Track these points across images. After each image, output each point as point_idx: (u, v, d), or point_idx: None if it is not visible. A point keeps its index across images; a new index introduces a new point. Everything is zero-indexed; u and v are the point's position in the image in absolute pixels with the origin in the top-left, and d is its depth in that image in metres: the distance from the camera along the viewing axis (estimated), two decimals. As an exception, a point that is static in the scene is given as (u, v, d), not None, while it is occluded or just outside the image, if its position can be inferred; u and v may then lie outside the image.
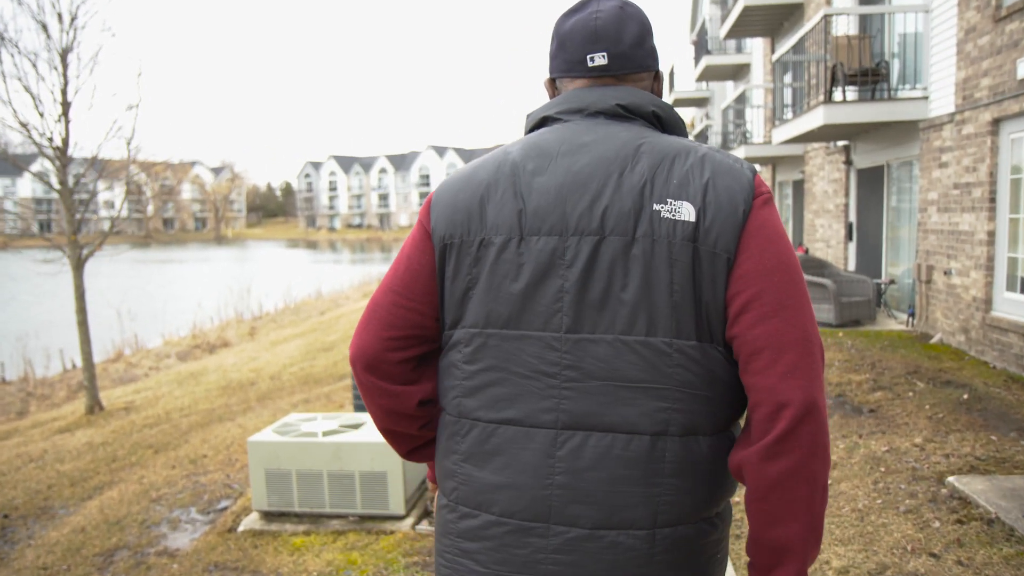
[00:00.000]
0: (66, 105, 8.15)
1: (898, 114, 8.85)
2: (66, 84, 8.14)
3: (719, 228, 1.14)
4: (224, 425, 7.12)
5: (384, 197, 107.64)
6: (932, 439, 5.01)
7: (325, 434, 4.29)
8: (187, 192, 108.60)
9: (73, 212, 8.16)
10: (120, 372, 12.46)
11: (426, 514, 4.32)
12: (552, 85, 1.36)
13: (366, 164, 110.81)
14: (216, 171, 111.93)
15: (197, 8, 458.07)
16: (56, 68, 8.07)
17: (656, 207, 1.15)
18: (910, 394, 6.26)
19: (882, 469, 4.49)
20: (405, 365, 1.28)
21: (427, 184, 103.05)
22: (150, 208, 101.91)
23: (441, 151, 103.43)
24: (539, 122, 1.31)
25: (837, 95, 9.82)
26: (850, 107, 9.18)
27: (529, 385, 1.19)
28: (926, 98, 8.65)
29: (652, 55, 1.32)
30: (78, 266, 8.36)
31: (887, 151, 10.28)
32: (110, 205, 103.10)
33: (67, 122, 8.17)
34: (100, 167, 8.79)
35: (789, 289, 1.13)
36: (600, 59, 1.27)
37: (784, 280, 1.13)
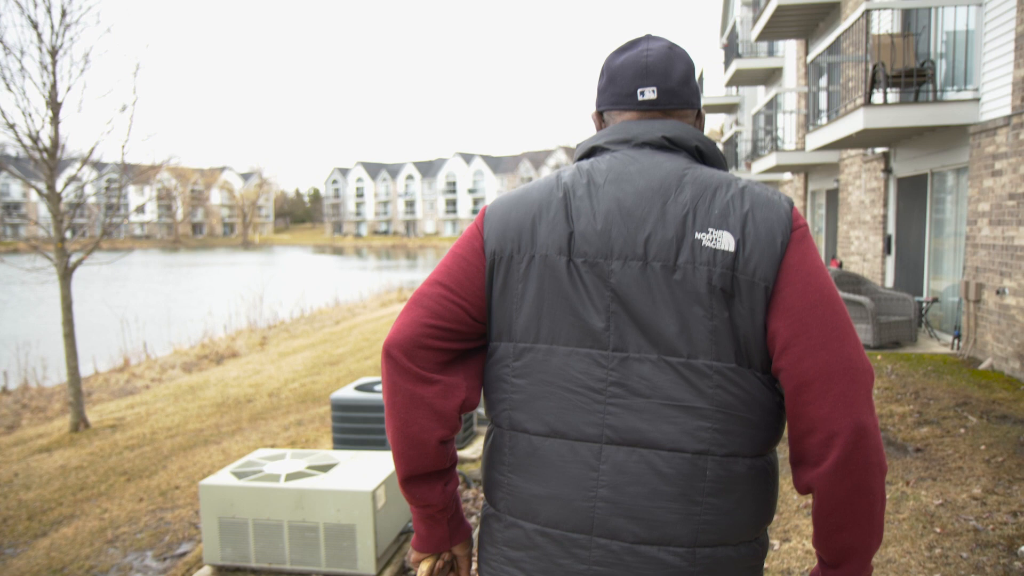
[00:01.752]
0: (56, 105, 7.73)
1: (946, 118, 8.13)
2: (56, 83, 7.73)
3: (758, 258, 1.18)
4: (208, 450, 6.61)
5: (411, 204, 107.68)
6: (993, 490, 4.33)
7: (288, 478, 3.73)
8: (216, 197, 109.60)
9: (60, 218, 7.72)
10: (121, 383, 12.04)
11: (402, 572, 3.74)
12: (599, 118, 1.41)
13: (393, 170, 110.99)
14: (245, 176, 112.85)
15: (229, 14, 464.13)
16: (46, 67, 7.67)
17: (698, 236, 1.19)
18: (961, 430, 5.56)
19: (937, 530, 3.83)
20: (439, 355, 1.28)
21: (453, 191, 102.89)
22: (179, 213, 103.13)
23: (468, 158, 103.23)
24: (588, 151, 1.35)
25: (877, 97, 9.12)
26: (892, 110, 8.48)
27: (575, 400, 1.22)
28: (977, 100, 7.93)
29: (696, 94, 1.38)
30: (65, 275, 7.89)
31: (931, 158, 9.55)
32: (140, 210, 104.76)
33: (56, 123, 7.76)
34: (90, 168, 8.34)
35: (833, 321, 1.17)
36: (650, 93, 1.32)
37: (828, 313, 1.17)
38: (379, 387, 4.72)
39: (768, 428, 1.23)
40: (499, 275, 1.27)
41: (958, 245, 8.98)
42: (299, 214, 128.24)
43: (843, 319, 1.18)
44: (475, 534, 2.57)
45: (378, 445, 4.49)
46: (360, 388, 4.72)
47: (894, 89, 8.96)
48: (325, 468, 3.86)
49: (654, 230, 1.21)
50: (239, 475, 3.79)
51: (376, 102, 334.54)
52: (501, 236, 1.28)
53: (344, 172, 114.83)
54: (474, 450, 5.55)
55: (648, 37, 1.37)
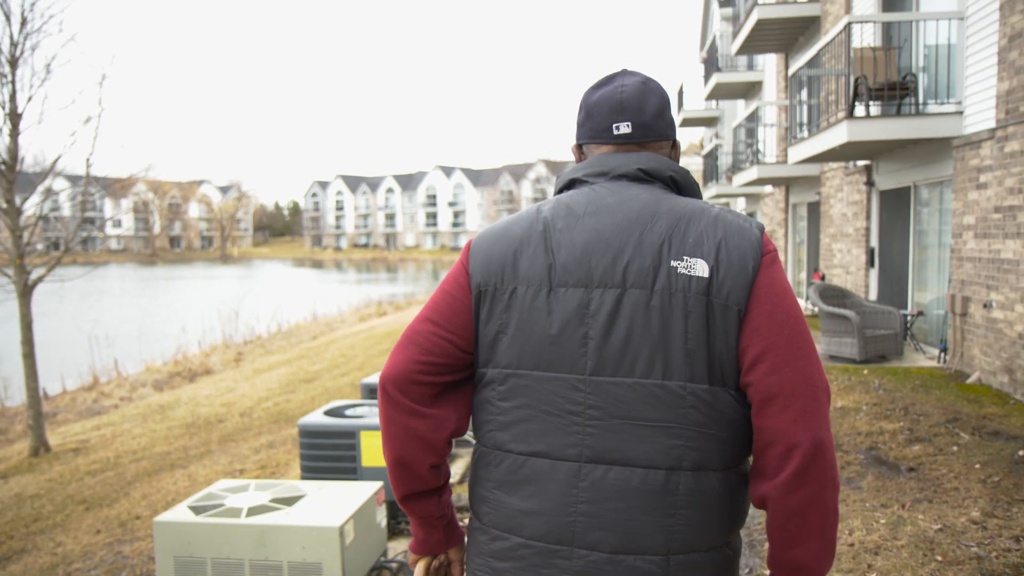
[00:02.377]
0: (15, 117, 7.42)
1: (930, 131, 8.06)
2: (15, 94, 7.42)
3: (731, 283, 1.25)
4: (173, 475, 6.31)
5: (391, 217, 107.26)
6: (992, 513, 4.16)
7: (250, 512, 3.48)
8: (194, 211, 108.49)
9: (19, 233, 7.39)
10: (89, 403, 11.63)
11: (374, 612, 3.50)
12: (579, 150, 1.47)
13: (373, 184, 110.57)
14: (223, 190, 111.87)
15: (208, 28, 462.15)
16: (4, 76, 7.35)
17: (673, 263, 1.26)
18: (954, 448, 5.41)
19: (939, 558, 3.64)
20: (430, 388, 1.36)
21: (434, 204, 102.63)
22: (156, 226, 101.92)
23: (448, 171, 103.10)
24: (568, 183, 1.42)
25: (860, 110, 9.04)
26: (876, 123, 8.40)
27: (556, 422, 1.29)
28: (960, 113, 7.86)
29: (670, 125, 1.44)
30: (24, 292, 7.54)
31: (913, 171, 9.48)
32: (116, 223, 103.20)
33: (16, 135, 7.44)
34: (66, 180, 8.00)
35: (798, 341, 1.25)
36: (625, 128, 1.40)
37: (793, 333, 1.25)
38: (349, 411, 4.48)
39: (738, 442, 1.29)
40: (484, 306, 1.34)
41: (942, 257, 8.89)
42: (278, 227, 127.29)
43: (807, 340, 1.26)
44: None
45: (349, 474, 4.24)
46: (330, 413, 4.47)
47: (876, 102, 8.89)
48: (290, 501, 3.61)
49: (632, 259, 1.27)
50: (197, 510, 3.53)
51: (356, 115, 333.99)
52: (485, 270, 1.34)
53: (324, 185, 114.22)
54: (452, 472, 5.31)
55: (624, 72, 1.44)
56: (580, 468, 1.28)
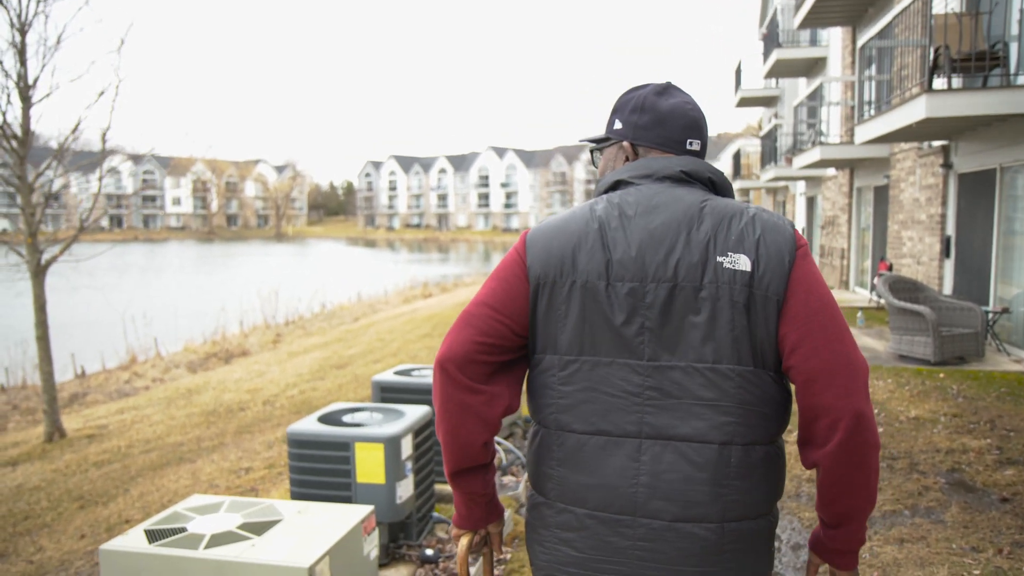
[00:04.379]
0: (26, 89, 7.07)
1: (1023, 105, 7.12)
2: (25, 64, 7.07)
3: (770, 275, 1.38)
4: (178, 470, 5.92)
5: (443, 197, 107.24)
6: (1114, 566, 3.41)
7: (212, 541, 2.97)
8: (251, 189, 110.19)
9: (32, 211, 7.06)
10: (121, 384, 11.45)
11: (354, 664, 2.97)
12: (632, 149, 1.58)
13: (426, 164, 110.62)
14: (279, 169, 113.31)
15: (266, 8, 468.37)
16: (15, 45, 7.00)
17: (719, 259, 1.39)
18: (1054, 474, 4.63)
19: (1051, 629, 2.94)
20: (486, 368, 1.49)
21: (486, 185, 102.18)
22: (214, 205, 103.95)
23: (501, 152, 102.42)
24: (614, 184, 1.54)
25: (939, 83, 8.11)
26: (958, 97, 7.49)
27: (617, 403, 1.42)
28: (1061, 85, 6.91)
29: None
30: (37, 272, 7.23)
31: (1000, 151, 8.51)
32: (177, 202, 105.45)
33: (28, 108, 7.10)
34: (63, 157, 7.67)
35: (833, 325, 1.37)
36: (696, 145, 1.56)
37: (828, 318, 1.37)
38: (347, 417, 3.95)
39: (779, 420, 1.43)
40: (543, 297, 1.46)
41: (1032, 249, 7.95)
42: (332, 207, 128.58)
43: (841, 323, 1.38)
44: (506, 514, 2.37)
45: (342, 491, 3.71)
46: (324, 419, 3.93)
47: (958, 75, 7.95)
48: (262, 528, 3.09)
49: (682, 256, 1.40)
50: (153, 535, 3.03)
51: (409, 96, 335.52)
52: (545, 263, 1.46)
53: (377, 165, 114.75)
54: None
55: (676, 87, 1.58)
56: (640, 444, 1.40)
